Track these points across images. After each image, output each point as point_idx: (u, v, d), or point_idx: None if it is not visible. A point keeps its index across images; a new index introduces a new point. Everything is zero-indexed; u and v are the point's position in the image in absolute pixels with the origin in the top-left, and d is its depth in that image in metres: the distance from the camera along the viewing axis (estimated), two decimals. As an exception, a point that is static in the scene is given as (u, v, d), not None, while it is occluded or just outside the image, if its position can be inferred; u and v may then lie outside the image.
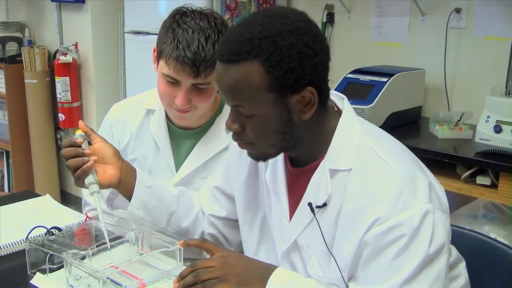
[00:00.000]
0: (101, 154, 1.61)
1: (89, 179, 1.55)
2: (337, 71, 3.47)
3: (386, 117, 2.98)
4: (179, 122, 1.90)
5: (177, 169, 1.92)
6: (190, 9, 1.78)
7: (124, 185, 1.65)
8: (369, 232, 1.26)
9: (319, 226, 1.36)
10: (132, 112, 1.99)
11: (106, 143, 1.64)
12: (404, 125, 3.11)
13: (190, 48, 1.68)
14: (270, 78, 1.25)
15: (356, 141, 1.34)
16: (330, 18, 3.77)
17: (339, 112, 1.42)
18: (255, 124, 1.32)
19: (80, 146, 1.58)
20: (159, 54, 1.77)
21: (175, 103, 1.77)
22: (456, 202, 2.65)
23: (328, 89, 1.37)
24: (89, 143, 1.62)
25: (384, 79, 2.98)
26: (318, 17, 3.79)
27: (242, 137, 1.37)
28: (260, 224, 1.60)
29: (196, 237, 1.74)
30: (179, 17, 1.75)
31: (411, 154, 1.40)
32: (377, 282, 1.26)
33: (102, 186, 1.58)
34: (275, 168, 1.49)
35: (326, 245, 1.35)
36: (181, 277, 1.38)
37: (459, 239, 1.36)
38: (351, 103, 2.78)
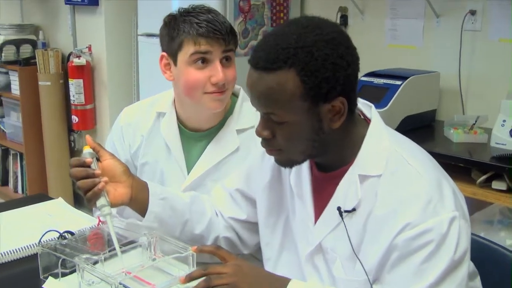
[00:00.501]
0: (111, 172, 1.58)
1: (100, 201, 1.52)
2: (351, 74, 3.45)
3: (400, 120, 2.95)
4: (214, 110, 1.87)
5: (188, 172, 1.92)
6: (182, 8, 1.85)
7: (136, 201, 1.63)
8: (399, 236, 1.28)
9: (346, 230, 1.37)
10: (142, 116, 2.00)
11: (116, 160, 1.61)
12: (419, 129, 3.08)
13: (212, 21, 1.77)
14: (304, 87, 1.27)
15: (386, 148, 1.37)
16: (344, 21, 3.74)
17: (366, 120, 1.44)
18: (286, 131, 1.34)
19: (89, 166, 1.54)
20: (178, 48, 1.80)
21: (210, 85, 1.79)
22: (471, 207, 2.59)
23: (356, 99, 1.39)
24: (97, 159, 1.58)
25: (398, 82, 2.95)
26: (331, 19, 3.75)
27: (271, 143, 1.39)
28: (283, 227, 1.60)
29: (209, 242, 1.73)
30: (178, 15, 1.83)
31: (436, 162, 1.43)
32: (404, 286, 1.28)
33: (113, 205, 1.56)
34: (300, 172, 1.51)
35: (353, 249, 1.37)
36: (190, 278, 1.37)
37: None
38: (365, 106, 2.75)
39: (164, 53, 1.87)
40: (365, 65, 3.31)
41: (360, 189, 1.36)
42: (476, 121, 2.86)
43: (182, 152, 1.94)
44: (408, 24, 3.45)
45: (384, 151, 1.36)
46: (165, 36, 1.84)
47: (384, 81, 3.01)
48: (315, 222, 1.47)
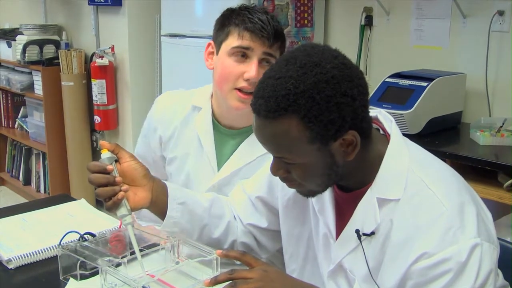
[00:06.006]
0: (131, 176, 1.54)
1: (121, 211, 1.48)
2: (376, 75, 3.42)
3: (425, 122, 2.92)
4: (237, 110, 1.83)
5: (218, 169, 1.90)
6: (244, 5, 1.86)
7: (156, 205, 1.59)
8: (415, 265, 1.25)
9: (364, 254, 1.35)
10: (179, 105, 1.99)
11: (136, 162, 1.57)
12: (444, 131, 3.04)
13: (264, 20, 1.77)
14: (310, 132, 1.23)
15: (405, 169, 1.32)
16: (369, 21, 3.71)
17: (386, 136, 1.40)
18: (300, 171, 1.32)
19: (109, 172, 1.49)
20: (226, 36, 1.80)
21: (242, 80, 1.77)
22: (497, 211, 2.58)
23: (369, 123, 1.34)
24: (116, 160, 1.53)
25: (424, 84, 2.91)
26: (356, 19, 3.75)
27: (288, 179, 1.37)
28: (307, 239, 1.58)
29: (226, 246, 1.72)
30: (237, 9, 1.84)
31: (460, 179, 1.38)
32: None
33: (133, 210, 1.53)
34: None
35: (370, 272, 1.34)
36: (215, 281, 1.33)
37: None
38: (390, 108, 2.74)
39: (211, 42, 1.88)
40: (390, 66, 3.32)
41: (379, 213, 1.33)
42: (503, 124, 2.81)
43: (214, 147, 1.91)
44: (434, 24, 3.41)
45: (403, 173, 1.32)
46: (217, 24, 1.85)
47: (410, 82, 2.97)
48: (336, 240, 1.45)
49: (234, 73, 1.78)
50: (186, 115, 1.96)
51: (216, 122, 1.92)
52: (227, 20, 1.81)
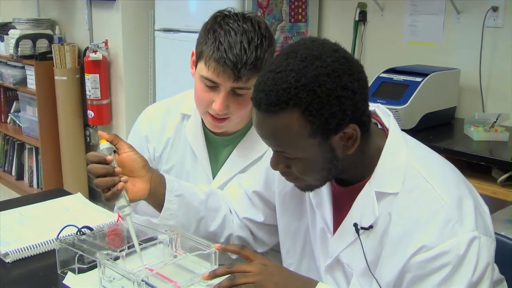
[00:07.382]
0: (130, 166, 1.53)
1: (120, 202, 1.47)
2: (370, 71, 3.40)
3: (419, 118, 2.93)
4: (213, 130, 1.84)
5: (214, 177, 1.89)
6: (233, 12, 1.73)
7: (154, 196, 1.59)
8: (414, 258, 1.25)
9: (362, 247, 1.35)
10: (167, 117, 1.94)
11: (135, 153, 1.55)
12: (438, 126, 3.06)
13: (232, 49, 1.63)
14: (311, 126, 1.23)
15: (403, 163, 1.33)
16: (363, 17, 3.72)
17: (384, 131, 1.40)
18: (300, 166, 1.32)
19: (108, 163, 1.48)
20: (199, 56, 1.72)
21: (212, 108, 1.71)
22: (491, 206, 2.57)
23: (369, 117, 1.35)
24: (114, 151, 1.51)
25: (418, 79, 2.93)
26: (350, 15, 3.76)
27: (288, 173, 1.38)
28: (304, 234, 1.58)
29: (222, 240, 1.72)
30: (221, 18, 1.70)
31: (458, 174, 1.38)
32: None
33: (132, 201, 1.52)
34: None
35: (368, 266, 1.35)
36: (214, 275, 1.34)
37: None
38: (384, 103, 2.74)
39: (194, 51, 1.78)
40: (384, 62, 3.33)
41: (378, 206, 1.34)
42: (497, 119, 2.83)
43: (208, 157, 1.89)
44: (428, 20, 3.42)
45: (401, 167, 1.32)
46: (200, 33, 1.74)
47: (404, 78, 2.98)
48: (334, 234, 1.45)
49: (205, 99, 1.73)
50: (177, 124, 1.92)
51: (207, 130, 1.88)
52: (205, 35, 1.69)
